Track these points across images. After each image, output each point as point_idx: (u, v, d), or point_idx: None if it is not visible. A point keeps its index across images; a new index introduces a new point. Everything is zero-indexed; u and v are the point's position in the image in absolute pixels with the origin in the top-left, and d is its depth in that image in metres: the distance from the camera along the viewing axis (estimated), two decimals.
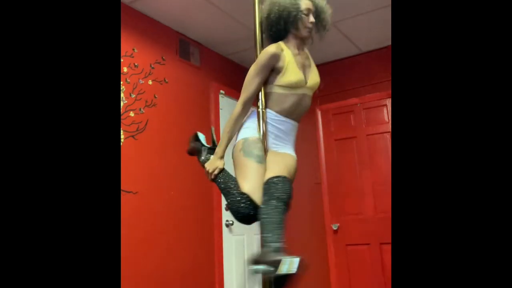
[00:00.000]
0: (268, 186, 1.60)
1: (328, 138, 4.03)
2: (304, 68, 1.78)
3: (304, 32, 1.76)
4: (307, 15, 1.75)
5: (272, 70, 1.70)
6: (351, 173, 3.84)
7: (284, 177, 1.63)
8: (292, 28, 1.75)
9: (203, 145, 1.92)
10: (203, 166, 1.85)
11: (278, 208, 1.55)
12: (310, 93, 1.80)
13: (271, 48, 1.69)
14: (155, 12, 3.14)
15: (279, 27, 1.75)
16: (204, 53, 3.66)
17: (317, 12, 1.80)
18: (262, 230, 1.55)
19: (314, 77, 1.82)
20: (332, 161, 3.97)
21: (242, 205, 1.62)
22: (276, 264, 1.41)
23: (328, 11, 1.84)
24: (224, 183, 1.74)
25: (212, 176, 1.78)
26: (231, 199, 1.67)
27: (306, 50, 1.86)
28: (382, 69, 3.78)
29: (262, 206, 1.59)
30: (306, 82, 1.76)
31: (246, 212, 1.63)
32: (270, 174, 1.64)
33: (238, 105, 1.74)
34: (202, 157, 1.88)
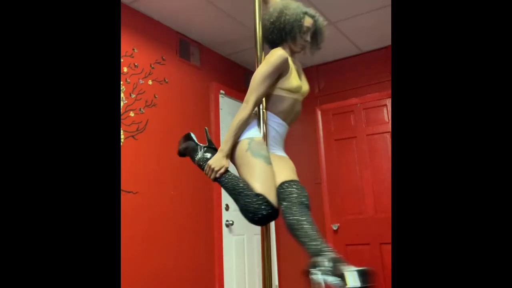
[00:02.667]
0: (285, 190, 1.60)
1: (328, 138, 4.03)
2: (298, 74, 1.83)
3: (297, 48, 1.81)
4: (305, 33, 1.79)
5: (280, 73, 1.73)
6: (351, 173, 3.84)
7: (298, 181, 1.67)
8: (289, 40, 1.79)
9: (197, 143, 1.85)
10: (200, 165, 1.78)
11: (305, 214, 1.56)
12: (301, 99, 1.84)
13: (282, 52, 1.71)
14: (155, 12, 3.14)
15: (279, 35, 1.79)
16: (204, 53, 3.66)
17: (316, 32, 1.85)
18: (302, 239, 1.53)
19: (306, 85, 1.87)
20: (332, 161, 3.97)
21: (259, 206, 1.57)
22: (342, 276, 1.37)
23: (325, 32, 1.89)
24: (232, 183, 1.67)
25: (218, 175, 1.70)
26: (246, 200, 1.60)
27: (295, 59, 1.91)
28: (382, 69, 3.79)
29: (286, 213, 1.57)
30: (301, 88, 1.80)
31: (264, 213, 1.57)
32: (282, 178, 1.65)
33: (248, 104, 1.68)
34: (199, 156, 1.80)
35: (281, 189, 1.62)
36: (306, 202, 1.60)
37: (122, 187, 2.70)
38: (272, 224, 4.16)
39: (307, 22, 1.78)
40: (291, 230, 1.56)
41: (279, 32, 1.78)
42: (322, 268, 1.43)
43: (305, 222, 1.54)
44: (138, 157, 2.87)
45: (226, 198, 3.57)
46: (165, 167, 3.06)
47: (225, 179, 1.70)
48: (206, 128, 2.02)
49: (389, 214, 3.48)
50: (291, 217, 1.56)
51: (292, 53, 1.83)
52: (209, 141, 1.88)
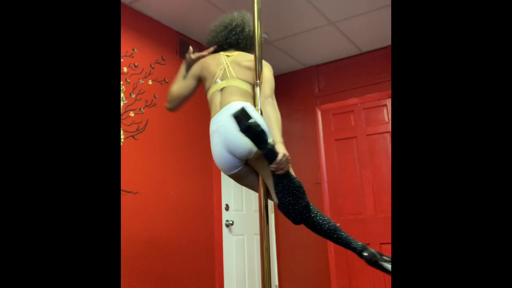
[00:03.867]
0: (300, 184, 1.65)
1: (328, 138, 4.03)
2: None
3: None
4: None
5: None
6: (351, 173, 3.84)
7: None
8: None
9: (261, 128, 1.51)
10: (273, 152, 1.53)
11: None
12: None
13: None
14: (155, 12, 3.14)
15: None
16: None
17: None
18: (343, 233, 1.76)
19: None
20: (332, 161, 3.97)
21: (310, 207, 1.69)
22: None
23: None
24: (298, 180, 1.62)
25: (290, 165, 1.60)
26: (306, 201, 1.65)
27: None
28: (382, 69, 3.79)
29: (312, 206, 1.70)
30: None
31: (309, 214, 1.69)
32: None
33: (273, 98, 1.75)
34: (270, 141, 1.53)
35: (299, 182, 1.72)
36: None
37: (122, 187, 2.70)
38: (272, 224, 4.17)
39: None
40: (331, 226, 1.76)
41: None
42: (384, 257, 1.70)
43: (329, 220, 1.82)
44: (138, 157, 2.87)
45: (226, 198, 3.57)
46: (165, 167, 3.06)
47: (291, 174, 1.62)
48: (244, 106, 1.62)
49: (389, 214, 3.48)
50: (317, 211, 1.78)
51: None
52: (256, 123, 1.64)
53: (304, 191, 1.64)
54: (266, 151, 1.53)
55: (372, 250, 1.71)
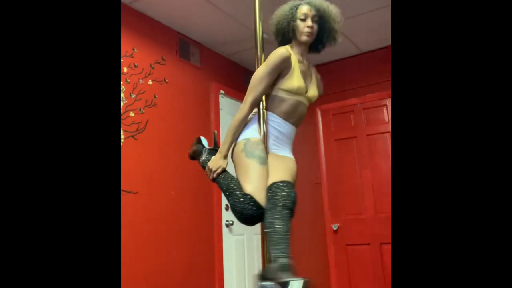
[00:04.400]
0: (273, 191, 1.59)
1: (328, 138, 4.03)
2: (305, 76, 1.78)
3: (302, 37, 1.74)
4: (304, 20, 1.74)
5: (280, 72, 1.70)
6: (351, 173, 3.84)
7: (289, 182, 1.64)
8: (292, 35, 1.77)
9: (203, 146, 1.92)
10: (204, 167, 1.83)
11: (283, 217, 1.54)
12: (307, 102, 1.80)
13: (283, 50, 1.69)
14: (155, 12, 3.14)
15: (283, 36, 1.80)
16: (204, 53, 3.66)
17: (320, 15, 1.77)
18: (268, 242, 1.53)
19: (314, 90, 1.83)
20: (332, 161, 3.97)
21: (246, 206, 1.59)
22: (284, 285, 1.41)
23: (332, 12, 1.79)
24: (226, 183, 1.70)
25: (214, 175, 1.74)
26: (234, 200, 1.63)
27: (308, 62, 1.85)
28: (382, 69, 3.78)
29: (267, 213, 1.57)
30: (306, 91, 1.77)
31: (250, 214, 1.59)
32: (273, 178, 1.63)
33: (245, 105, 1.69)
34: (203, 157, 1.87)
35: (270, 190, 1.61)
36: (290, 205, 1.57)
37: (122, 187, 2.70)
38: None
39: (301, 10, 1.75)
40: (265, 232, 1.57)
41: (280, 32, 1.79)
42: (270, 275, 1.48)
43: (277, 226, 1.53)
44: (138, 157, 2.87)
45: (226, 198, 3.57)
46: (165, 167, 3.06)
47: (221, 179, 1.73)
48: (215, 132, 2.04)
49: (389, 214, 3.48)
50: (267, 219, 1.56)
51: (305, 50, 1.79)
52: (215, 144, 1.90)
53: (230, 192, 1.66)
54: (201, 166, 1.88)
55: (267, 267, 1.55)
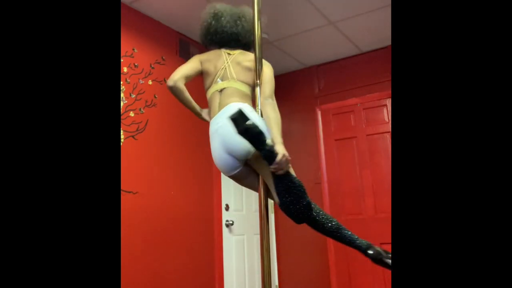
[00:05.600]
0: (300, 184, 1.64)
1: (328, 138, 4.03)
2: None
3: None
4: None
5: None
6: (351, 173, 3.84)
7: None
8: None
9: (261, 130, 1.53)
10: (272, 153, 1.53)
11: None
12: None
13: None
14: (155, 12, 3.14)
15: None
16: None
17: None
18: (344, 230, 1.78)
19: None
20: (332, 161, 3.97)
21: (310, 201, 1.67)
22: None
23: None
24: (298, 180, 1.63)
25: (290, 165, 1.61)
26: (308, 199, 1.64)
27: None
28: (382, 69, 3.79)
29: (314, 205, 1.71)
30: None
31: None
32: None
33: (273, 98, 1.74)
34: (269, 144, 1.53)
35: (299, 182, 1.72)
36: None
37: (122, 187, 2.70)
38: (272, 224, 4.17)
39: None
40: (331, 221, 1.78)
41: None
42: (382, 256, 1.71)
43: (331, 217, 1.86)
44: (138, 157, 2.87)
45: (226, 198, 3.57)
46: (165, 167, 3.06)
47: (290, 173, 1.64)
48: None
49: (389, 214, 3.48)
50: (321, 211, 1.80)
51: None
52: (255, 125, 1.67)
53: (304, 190, 1.64)
54: (265, 152, 1.53)
55: (377, 248, 1.72)
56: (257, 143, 1.52)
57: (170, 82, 1.91)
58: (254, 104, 1.79)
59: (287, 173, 1.61)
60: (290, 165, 1.62)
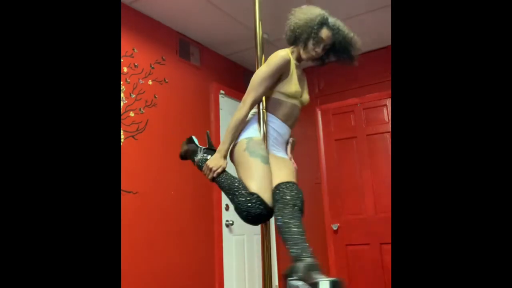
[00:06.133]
0: (281, 192, 1.59)
1: (328, 138, 4.03)
2: (300, 81, 1.80)
3: (304, 55, 1.77)
4: (318, 44, 1.73)
5: (280, 75, 1.71)
6: (351, 173, 3.84)
7: (294, 183, 1.67)
8: (300, 44, 1.76)
9: (197, 146, 1.87)
10: (199, 166, 1.80)
11: (296, 216, 1.54)
12: (300, 106, 1.84)
13: (284, 53, 1.69)
14: (155, 12, 3.14)
15: (291, 36, 1.78)
16: (204, 53, 3.66)
17: (336, 47, 1.79)
18: (286, 242, 1.50)
19: (306, 94, 1.88)
20: (332, 161, 3.97)
21: (253, 205, 1.57)
22: (315, 285, 1.39)
23: (352, 48, 1.80)
24: (228, 183, 1.67)
25: (215, 175, 1.71)
26: (240, 199, 1.60)
27: (301, 68, 1.88)
28: (382, 69, 3.78)
29: (277, 215, 1.56)
30: (301, 95, 1.81)
31: (258, 212, 1.57)
32: (278, 179, 1.65)
33: (245, 105, 1.68)
34: (198, 157, 1.82)
35: (277, 191, 1.61)
36: (300, 205, 1.59)
37: (122, 187, 2.70)
38: (272, 224, 4.17)
39: (324, 33, 1.73)
40: (279, 233, 1.55)
41: (291, 33, 1.77)
42: (298, 274, 1.43)
43: (292, 225, 1.52)
44: (138, 157, 2.87)
45: (226, 198, 3.57)
46: (165, 167, 3.06)
47: (222, 178, 1.71)
48: (208, 131, 2.02)
49: (389, 214, 3.48)
50: (280, 219, 1.54)
51: (299, 59, 1.81)
52: (210, 144, 1.89)
53: (233, 192, 1.63)
54: (196, 165, 1.84)
55: (293, 266, 1.48)
56: (191, 159, 1.88)
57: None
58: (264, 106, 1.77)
59: (214, 180, 1.74)
60: (212, 173, 1.72)
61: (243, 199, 1.59)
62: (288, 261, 1.47)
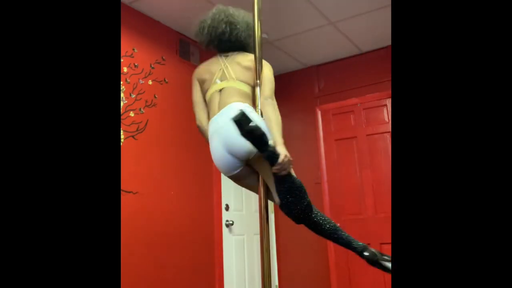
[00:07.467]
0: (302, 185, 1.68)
1: (328, 138, 4.03)
2: None
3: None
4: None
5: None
6: (351, 173, 3.84)
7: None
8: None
9: (263, 132, 1.52)
10: (274, 155, 1.54)
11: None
12: None
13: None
14: (155, 12, 3.14)
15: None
16: (204, 53, 3.66)
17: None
18: (342, 232, 1.76)
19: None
20: (332, 161, 3.97)
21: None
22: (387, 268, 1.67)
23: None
24: (298, 180, 1.66)
25: (292, 167, 1.61)
26: (308, 199, 1.67)
27: None
28: (382, 69, 3.78)
29: (314, 208, 1.72)
30: None
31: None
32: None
33: (273, 98, 1.74)
34: (271, 143, 1.55)
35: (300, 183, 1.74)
36: None
37: (122, 187, 2.70)
38: (272, 224, 4.17)
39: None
40: (335, 231, 1.78)
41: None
42: (384, 256, 1.70)
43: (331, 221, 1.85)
44: (138, 157, 2.87)
45: (226, 198, 3.57)
46: (165, 167, 3.06)
47: (293, 174, 1.68)
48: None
49: (389, 214, 3.48)
50: (320, 213, 1.80)
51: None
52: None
53: (305, 190, 1.67)
54: (267, 153, 1.53)
55: (373, 250, 1.72)
56: (260, 144, 1.51)
57: (197, 122, 2.00)
58: (254, 104, 1.79)
59: (289, 174, 1.63)
60: (291, 165, 1.62)
61: (309, 200, 1.68)
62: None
